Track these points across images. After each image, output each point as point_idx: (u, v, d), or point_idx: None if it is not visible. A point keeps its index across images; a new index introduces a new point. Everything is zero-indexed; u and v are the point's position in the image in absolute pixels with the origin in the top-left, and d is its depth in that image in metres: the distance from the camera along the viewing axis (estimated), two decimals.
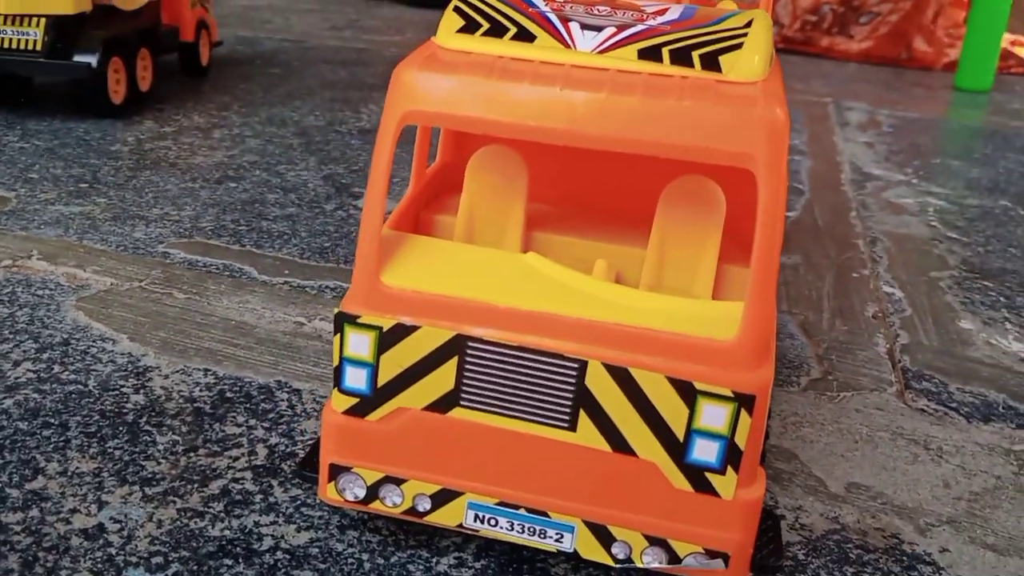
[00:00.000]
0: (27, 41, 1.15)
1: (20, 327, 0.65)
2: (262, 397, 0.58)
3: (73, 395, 0.57)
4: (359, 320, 0.40)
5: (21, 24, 1.14)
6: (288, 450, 0.53)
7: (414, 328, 0.40)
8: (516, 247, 0.49)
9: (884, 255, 0.93)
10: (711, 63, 0.39)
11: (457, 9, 0.42)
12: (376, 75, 1.67)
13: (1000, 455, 0.58)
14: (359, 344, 0.41)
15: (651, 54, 0.39)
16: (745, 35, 0.40)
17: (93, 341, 0.64)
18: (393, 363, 0.41)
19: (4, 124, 1.15)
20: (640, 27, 0.41)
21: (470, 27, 0.41)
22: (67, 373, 0.59)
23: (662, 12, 0.42)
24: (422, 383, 0.41)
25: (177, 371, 0.61)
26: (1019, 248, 1.00)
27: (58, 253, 0.77)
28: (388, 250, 0.42)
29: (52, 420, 0.54)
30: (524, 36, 0.40)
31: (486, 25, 0.41)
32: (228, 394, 0.59)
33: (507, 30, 0.41)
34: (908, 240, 0.99)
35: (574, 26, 0.41)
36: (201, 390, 0.59)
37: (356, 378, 0.41)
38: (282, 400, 0.58)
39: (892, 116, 1.68)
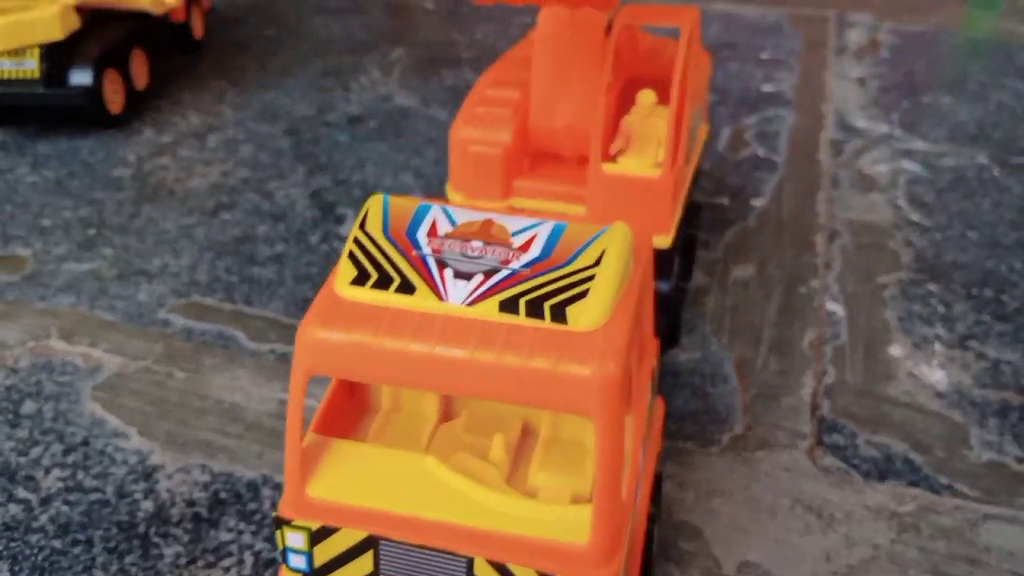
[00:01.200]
0: (25, 71, 1.20)
1: (47, 426, 0.76)
2: (250, 496, 0.69)
3: (95, 505, 0.68)
4: (292, 523, 0.50)
5: (18, 55, 1.20)
6: (269, 556, 0.64)
7: (336, 529, 0.49)
8: (434, 411, 0.57)
9: (839, 256, 0.98)
10: (558, 314, 0.45)
11: (351, 256, 0.49)
12: (367, 27, 1.68)
13: (884, 519, 0.66)
14: (295, 539, 0.50)
15: (510, 306, 0.46)
16: (592, 277, 0.46)
17: (109, 438, 0.75)
18: (323, 552, 0.50)
19: (16, 150, 1.22)
20: (504, 272, 0.47)
21: (361, 278, 0.48)
22: (89, 479, 0.71)
23: (527, 246, 0.48)
24: (349, 566, 0.50)
25: (179, 469, 0.72)
26: (978, 230, 1.03)
27: (74, 329, 0.87)
28: (311, 458, 0.51)
29: (80, 536, 0.66)
30: (406, 288, 0.47)
31: (375, 275, 0.48)
32: (222, 494, 0.69)
33: (392, 280, 0.47)
34: (868, 230, 1.02)
35: (448, 274, 0.47)
36: (199, 491, 0.70)
37: (297, 560, 0.51)
38: (266, 498, 0.69)
39: (895, 33, 1.64)
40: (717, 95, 1.38)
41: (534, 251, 0.48)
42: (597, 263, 0.47)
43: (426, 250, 0.48)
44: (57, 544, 0.65)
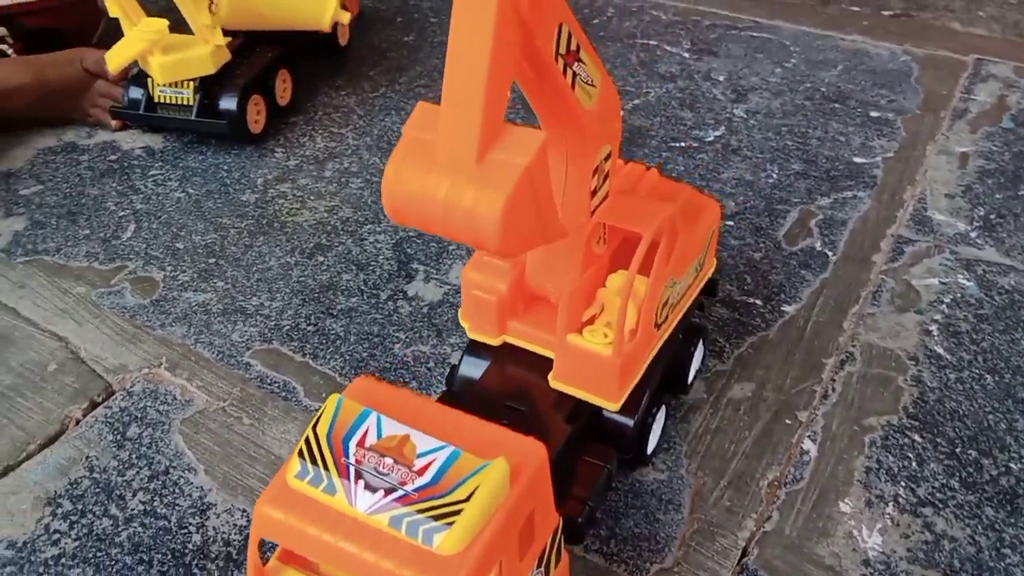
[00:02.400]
0: (181, 98, 1.42)
1: (143, 451, 0.99)
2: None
3: (161, 531, 0.91)
4: None
5: (175, 85, 1.42)
6: None
7: None
8: None
9: (840, 387, 1.03)
10: (428, 538, 0.60)
11: (300, 452, 0.65)
12: None
13: None
14: None
15: (396, 523, 0.61)
16: (460, 511, 0.60)
17: (183, 472, 0.97)
18: None
19: (171, 161, 1.46)
20: (399, 492, 0.61)
21: (302, 474, 0.64)
22: (162, 507, 0.93)
23: (424, 470, 0.62)
24: None
25: (226, 510, 0.93)
26: (998, 374, 1.04)
27: (179, 361, 1.10)
28: None
29: (145, 556, 0.89)
30: (330, 490, 0.63)
31: (311, 474, 0.64)
32: None
33: (322, 481, 0.63)
34: (881, 360, 1.06)
35: (360, 485, 0.62)
36: (236, 533, 0.91)
37: None
38: None
39: None
40: (804, 164, 1.40)
41: (427, 477, 0.62)
42: (468, 499, 0.61)
43: (351, 459, 0.64)
44: (128, 560, 0.89)
